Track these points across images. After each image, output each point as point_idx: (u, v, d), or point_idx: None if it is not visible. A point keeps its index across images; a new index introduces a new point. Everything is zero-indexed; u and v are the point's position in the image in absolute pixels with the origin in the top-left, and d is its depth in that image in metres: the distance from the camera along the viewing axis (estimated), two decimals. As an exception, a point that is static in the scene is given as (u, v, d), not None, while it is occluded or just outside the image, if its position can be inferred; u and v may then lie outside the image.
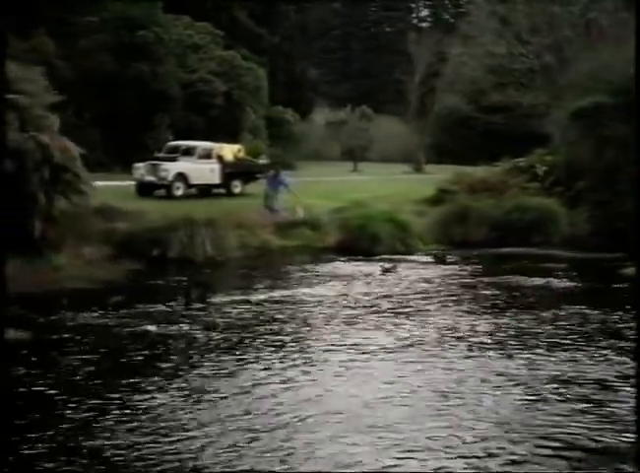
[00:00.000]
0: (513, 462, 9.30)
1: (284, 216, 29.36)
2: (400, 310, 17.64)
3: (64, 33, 38.13)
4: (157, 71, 39.42)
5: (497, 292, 20.09)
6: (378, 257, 25.67)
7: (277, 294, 19.33)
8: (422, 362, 13.39)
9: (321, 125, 73.75)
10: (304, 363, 13.37)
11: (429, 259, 26.09)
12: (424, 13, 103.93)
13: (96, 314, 16.87)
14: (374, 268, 23.39)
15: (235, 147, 38.65)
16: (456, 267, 24.47)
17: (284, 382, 12.25)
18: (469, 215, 29.88)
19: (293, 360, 13.52)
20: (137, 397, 11.56)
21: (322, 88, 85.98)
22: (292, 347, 14.38)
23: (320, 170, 51.74)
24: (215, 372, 12.77)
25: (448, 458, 9.39)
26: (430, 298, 19.22)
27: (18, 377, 12.44)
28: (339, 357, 13.73)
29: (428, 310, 17.68)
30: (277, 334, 15.29)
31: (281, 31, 64.68)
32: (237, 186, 37.04)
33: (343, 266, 24.12)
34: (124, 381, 12.34)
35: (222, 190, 36.43)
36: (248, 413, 10.91)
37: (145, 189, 33.63)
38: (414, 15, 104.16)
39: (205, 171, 35.19)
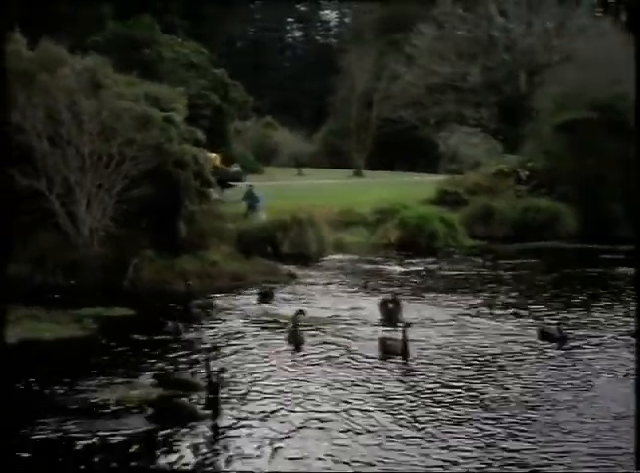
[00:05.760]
0: None
1: None
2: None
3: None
4: (159, 88, 41.91)
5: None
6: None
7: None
8: None
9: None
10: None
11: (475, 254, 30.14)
12: (298, 34, 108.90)
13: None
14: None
15: (212, 155, 41.08)
16: (527, 261, 28.43)
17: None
18: (491, 214, 34.55)
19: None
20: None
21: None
22: None
23: (269, 175, 53.75)
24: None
25: None
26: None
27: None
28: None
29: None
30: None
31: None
32: (214, 194, 39.37)
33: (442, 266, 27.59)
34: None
35: (197, 198, 38.42)
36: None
37: None
38: (289, 36, 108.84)
39: None
